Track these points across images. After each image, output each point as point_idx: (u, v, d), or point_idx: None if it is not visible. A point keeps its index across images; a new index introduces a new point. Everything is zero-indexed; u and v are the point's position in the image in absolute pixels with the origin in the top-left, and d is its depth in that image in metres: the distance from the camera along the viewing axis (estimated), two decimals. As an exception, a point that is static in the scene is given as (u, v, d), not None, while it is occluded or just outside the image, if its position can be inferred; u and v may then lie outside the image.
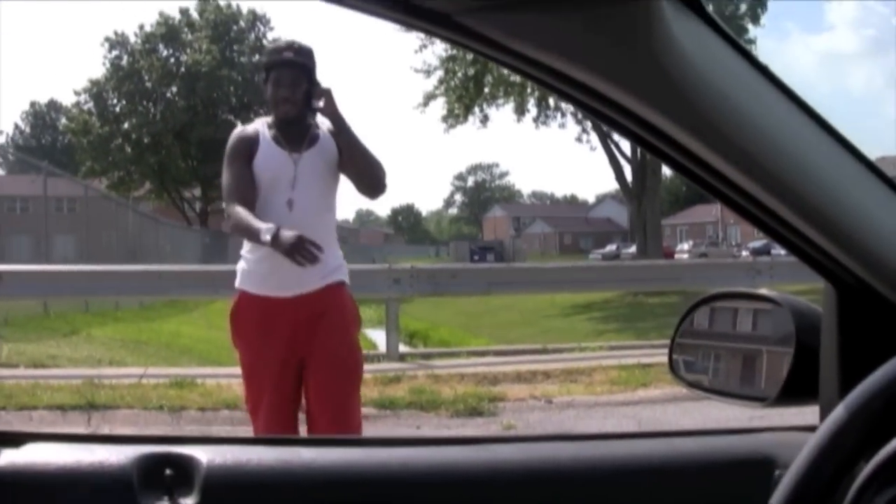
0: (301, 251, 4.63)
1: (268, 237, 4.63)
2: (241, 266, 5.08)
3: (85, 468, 1.43)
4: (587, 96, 1.18)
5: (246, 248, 5.04)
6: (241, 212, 4.87)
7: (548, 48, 1.11)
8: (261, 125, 5.16)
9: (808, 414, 1.66)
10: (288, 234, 4.64)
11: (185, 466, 1.44)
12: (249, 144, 5.06)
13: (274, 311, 4.93)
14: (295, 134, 5.07)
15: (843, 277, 1.42)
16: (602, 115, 1.22)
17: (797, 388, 1.59)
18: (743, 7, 36.52)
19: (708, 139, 1.21)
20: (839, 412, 1.12)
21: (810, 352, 1.56)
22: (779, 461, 1.51)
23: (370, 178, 5.08)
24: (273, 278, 4.89)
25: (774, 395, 1.62)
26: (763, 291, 1.74)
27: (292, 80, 5.00)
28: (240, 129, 5.25)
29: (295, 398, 5.03)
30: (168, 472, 1.42)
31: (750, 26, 36.58)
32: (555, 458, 1.59)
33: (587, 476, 1.55)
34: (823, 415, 1.53)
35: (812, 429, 1.56)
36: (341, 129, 4.97)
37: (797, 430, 1.61)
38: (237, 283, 5.07)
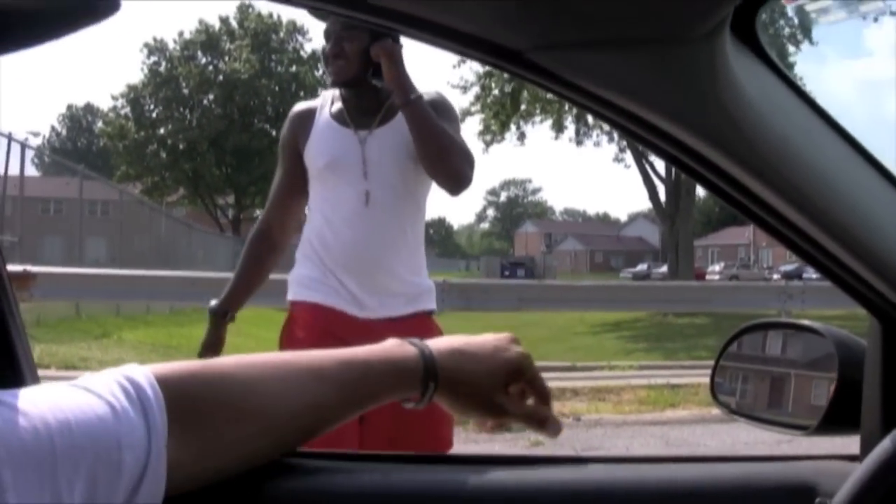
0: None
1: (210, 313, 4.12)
2: (299, 273, 4.03)
3: None
4: (649, 133, 1.21)
5: (306, 250, 4.02)
6: (245, 247, 4.18)
7: (614, 87, 1.14)
8: (325, 98, 4.12)
9: (836, 440, 1.69)
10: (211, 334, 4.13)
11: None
12: (298, 125, 4.08)
13: (344, 327, 3.82)
14: (362, 106, 3.98)
15: (887, 310, 1.45)
16: (661, 149, 1.25)
17: (838, 419, 1.61)
18: (787, 30, 36.39)
19: (762, 175, 1.24)
20: (885, 446, 1.14)
21: (852, 383, 1.58)
22: (819, 489, 1.53)
23: (445, 165, 3.85)
24: (345, 292, 3.87)
25: (815, 425, 1.64)
26: (806, 322, 1.77)
27: (346, 32, 3.86)
28: (295, 106, 4.22)
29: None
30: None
31: (791, 49, 36.47)
32: (591, 480, 1.61)
33: (624, 500, 1.57)
34: (864, 445, 1.55)
35: (853, 458, 1.58)
36: (404, 96, 3.80)
37: (838, 458, 1.63)
38: (293, 295, 4.01)
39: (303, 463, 1.52)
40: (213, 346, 4.15)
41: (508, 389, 1.59)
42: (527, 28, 1.11)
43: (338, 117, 4.01)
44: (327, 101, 4.09)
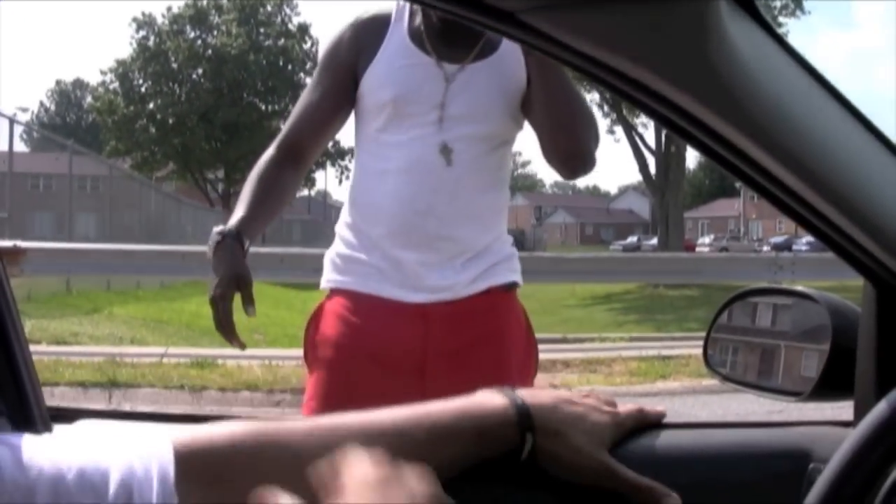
0: (221, 315, 2.78)
1: (210, 244, 2.86)
2: (335, 253, 3.13)
3: None
4: (642, 94, 1.20)
5: (348, 218, 3.13)
6: (258, 167, 3.09)
7: (607, 47, 1.13)
8: (402, 9, 3.06)
9: (826, 409, 1.69)
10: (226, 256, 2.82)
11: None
12: (364, 37, 3.04)
13: (387, 319, 2.97)
14: (454, 31, 2.93)
15: (882, 276, 1.44)
16: (655, 112, 1.24)
17: (831, 385, 1.61)
18: (779, 2, 36.45)
19: (758, 138, 1.23)
20: (880, 409, 1.14)
21: (846, 349, 1.58)
22: (813, 455, 1.53)
23: (573, 140, 2.90)
24: (393, 271, 2.97)
25: (808, 391, 1.64)
26: (800, 288, 1.76)
27: None
28: (363, 11, 3.12)
29: None
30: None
31: (783, 19, 36.54)
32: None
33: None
34: (858, 411, 1.55)
35: (846, 424, 1.59)
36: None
37: (832, 424, 1.63)
38: (326, 281, 3.12)
39: None
40: (240, 282, 2.81)
41: None
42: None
43: (417, 39, 2.99)
44: (404, 14, 3.03)
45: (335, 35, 3.10)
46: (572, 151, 2.92)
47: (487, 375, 2.29)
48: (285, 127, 3.17)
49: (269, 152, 3.12)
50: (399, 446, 1.21)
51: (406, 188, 2.93)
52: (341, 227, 3.13)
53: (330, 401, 2.90)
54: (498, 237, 3.09)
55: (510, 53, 2.94)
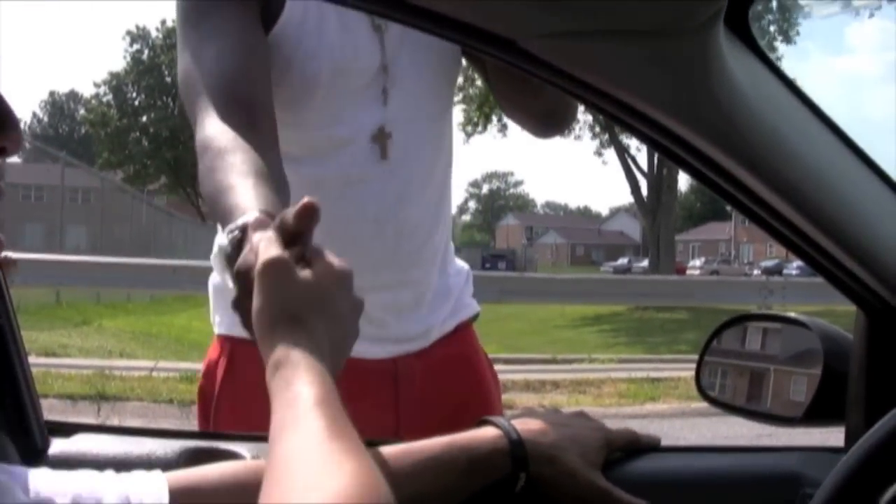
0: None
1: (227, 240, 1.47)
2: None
3: (133, 459, 1.48)
4: (639, 121, 1.22)
5: None
6: (221, 139, 1.73)
7: (607, 76, 1.15)
8: None
9: (815, 434, 1.70)
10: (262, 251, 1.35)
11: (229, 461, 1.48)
12: None
13: (358, 384, 1.65)
14: None
15: (874, 303, 1.46)
16: (651, 139, 1.26)
17: (822, 410, 1.63)
18: (773, 28, 36.59)
19: (752, 166, 1.25)
20: (871, 435, 1.15)
21: (837, 374, 1.59)
22: (804, 480, 1.54)
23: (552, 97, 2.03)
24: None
25: (800, 416, 1.66)
26: (792, 315, 1.78)
27: None
28: None
29: None
30: (213, 465, 1.46)
31: (779, 45, 36.71)
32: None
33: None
34: (849, 437, 1.56)
35: (838, 450, 1.60)
36: None
37: (823, 450, 1.65)
38: (226, 325, 2.16)
39: None
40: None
41: None
42: (520, 17, 1.11)
43: None
44: None
45: None
46: (561, 107, 2.11)
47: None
48: (206, 76, 1.88)
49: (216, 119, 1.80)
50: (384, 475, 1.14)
51: (342, 201, 2.05)
52: None
53: None
54: (453, 260, 2.37)
55: None
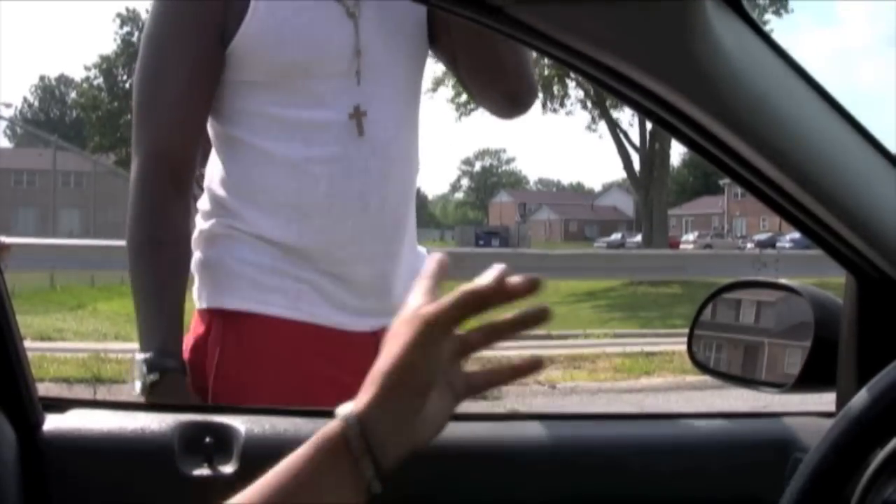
0: None
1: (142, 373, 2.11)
2: (225, 255, 2.22)
3: (128, 434, 1.48)
4: (629, 88, 1.22)
5: (239, 206, 2.21)
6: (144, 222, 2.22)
7: (594, 41, 1.15)
8: None
9: (809, 403, 1.71)
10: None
11: (224, 434, 1.48)
12: None
13: (341, 358, 2.16)
14: None
15: (865, 269, 1.46)
16: (642, 106, 1.26)
17: (814, 377, 1.63)
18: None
19: (743, 133, 1.25)
20: (861, 397, 1.16)
21: (828, 341, 1.60)
22: (796, 444, 1.55)
23: (515, 74, 2.24)
24: (337, 290, 2.18)
25: (791, 383, 1.66)
26: (783, 281, 1.78)
27: None
28: None
29: None
30: (208, 439, 1.47)
31: (771, 17, 36.71)
32: (572, 436, 1.63)
33: (604, 455, 1.59)
34: (840, 403, 1.57)
35: (828, 415, 1.61)
36: None
37: (814, 415, 1.66)
38: (216, 298, 2.22)
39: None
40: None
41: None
42: (508, -18, 1.11)
43: None
44: None
45: None
46: (524, 89, 2.30)
47: None
48: (146, 136, 2.23)
49: (150, 187, 2.20)
50: None
51: (322, 175, 2.16)
52: (229, 227, 2.22)
53: None
54: (414, 244, 2.41)
55: None
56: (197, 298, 2.27)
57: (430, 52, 2.35)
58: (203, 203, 2.31)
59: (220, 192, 2.25)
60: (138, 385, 2.12)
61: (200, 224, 2.28)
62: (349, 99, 2.16)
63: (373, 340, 2.06)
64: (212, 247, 2.24)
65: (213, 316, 2.22)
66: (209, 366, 2.18)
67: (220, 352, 2.18)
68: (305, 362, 2.17)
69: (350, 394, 1.73)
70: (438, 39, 2.31)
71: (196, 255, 2.25)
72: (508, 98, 2.31)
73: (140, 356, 2.14)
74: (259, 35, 2.12)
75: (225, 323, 2.20)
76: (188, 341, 2.24)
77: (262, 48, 2.13)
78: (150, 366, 2.11)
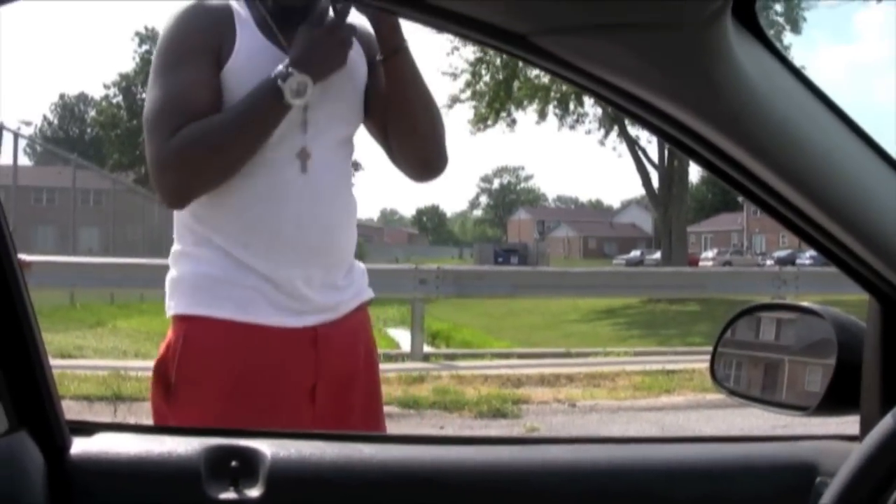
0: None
1: (287, 84, 2.47)
2: (194, 272, 2.64)
3: (154, 458, 1.49)
4: (649, 113, 1.23)
5: (201, 236, 2.63)
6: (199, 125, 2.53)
7: (617, 70, 1.16)
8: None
9: (831, 424, 1.71)
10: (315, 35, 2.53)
11: (250, 459, 1.49)
12: (217, 27, 2.61)
13: (284, 351, 2.60)
14: (296, 12, 2.62)
15: (887, 292, 1.46)
16: (661, 130, 1.27)
17: (837, 399, 1.63)
18: (780, 16, 36.52)
19: (762, 155, 1.25)
20: (886, 423, 1.16)
21: (851, 364, 1.60)
22: (820, 469, 1.55)
23: (431, 145, 2.76)
24: (275, 294, 2.59)
25: (814, 406, 1.66)
26: (806, 304, 1.78)
27: None
28: (196, 2, 2.65)
29: None
30: (234, 463, 1.48)
31: (788, 34, 36.64)
32: (595, 460, 1.63)
33: (630, 478, 1.59)
34: (864, 426, 1.57)
35: (853, 438, 1.60)
36: (394, 40, 2.61)
37: (838, 438, 1.65)
38: (190, 306, 2.61)
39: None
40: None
41: None
42: (531, 11, 1.12)
43: (267, 30, 2.62)
44: (245, 2, 2.67)
45: (184, 19, 2.64)
46: (430, 158, 2.78)
47: (368, 394, 2.75)
48: (162, 123, 2.62)
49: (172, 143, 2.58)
50: None
51: (270, 202, 2.59)
52: (193, 247, 2.65)
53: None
54: (355, 245, 2.83)
55: (357, 47, 2.65)
56: (167, 309, 2.67)
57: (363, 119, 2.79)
58: (175, 228, 2.73)
59: (187, 217, 2.67)
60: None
61: (172, 246, 2.72)
62: (297, 143, 2.60)
63: (312, 334, 2.62)
64: (177, 264, 2.69)
65: (178, 322, 2.63)
66: (171, 363, 2.58)
67: (181, 350, 2.58)
68: (252, 356, 2.58)
69: (289, 382, 2.56)
70: (371, 111, 2.76)
71: (168, 275, 2.70)
72: (423, 163, 2.81)
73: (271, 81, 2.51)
74: (235, 77, 2.57)
75: (186, 327, 2.60)
76: (162, 347, 2.64)
77: (235, 87, 2.57)
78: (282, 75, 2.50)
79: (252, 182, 2.58)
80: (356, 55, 2.65)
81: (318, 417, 2.58)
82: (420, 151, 2.77)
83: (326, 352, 2.63)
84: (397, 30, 2.59)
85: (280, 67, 2.49)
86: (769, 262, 53.69)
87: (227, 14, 2.62)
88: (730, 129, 1.22)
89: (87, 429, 1.56)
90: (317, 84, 2.53)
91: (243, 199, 2.58)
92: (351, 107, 2.72)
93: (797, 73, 1.26)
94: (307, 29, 2.55)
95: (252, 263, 2.58)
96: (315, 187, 2.61)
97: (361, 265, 2.85)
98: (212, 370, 2.57)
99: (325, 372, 2.63)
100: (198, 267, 2.63)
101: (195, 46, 2.59)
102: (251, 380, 2.55)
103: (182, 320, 2.62)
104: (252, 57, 2.57)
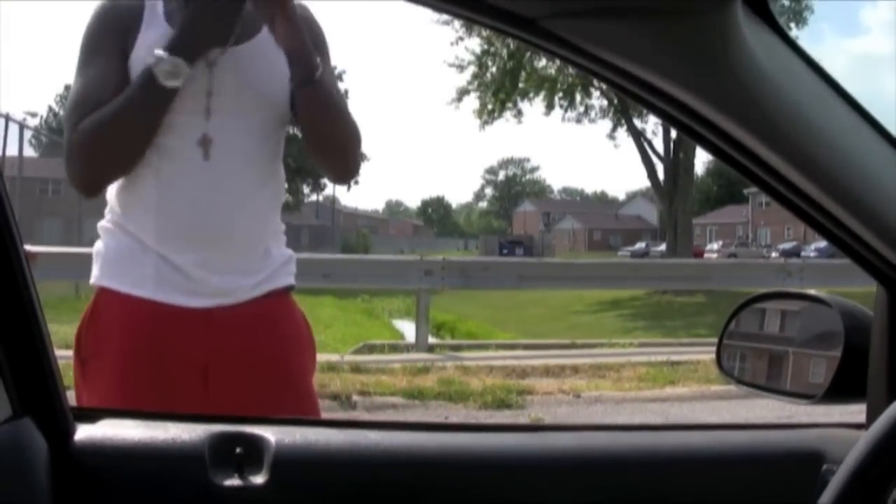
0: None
1: (158, 68, 2.54)
2: (105, 246, 2.81)
3: (159, 444, 1.49)
4: (658, 98, 1.22)
5: (115, 215, 2.80)
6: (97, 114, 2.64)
7: (627, 55, 1.15)
8: None
9: (836, 413, 1.70)
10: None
11: (254, 445, 1.49)
12: (125, 21, 2.71)
13: (177, 328, 2.70)
14: (210, 10, 2.60)
15: (894, 278, 1.46)
16: (671, 116, 1.26)
17: (844, 388, 1.62)
18: (786, 4, 36.51)
19: (773, 142, 1.25)
20: (893, 410, 1.15)
21: (858, 352, 1.59)
22: (826, 456, 1.54)
23: (344, 159, 2.89)
24: (172, 274, 2.69)
25: (821, 394, 1.65)
26: (812, 292, 1.78)
27: None
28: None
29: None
30: (238, 450, 1.47)
31: (793, 26, 36.58)
32: (600, 447, 1.63)
33: (636, 465, 1.59)
34: (871, 414, 1.56)
35: (859, 426, 1.60)
36: (307, 70, 2.67)
37: (844, 426, 1.65)
38: (98, 277, 2.78)
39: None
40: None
41: None
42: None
43: (173, 20, 2.69)
44: None
45: (95, 16, 2.77)
46: (344, 169, 2.92)
47: (282, 381, 2.76)
48: (76, 112, 2.73)
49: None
50: None
51: (169, 188, 2.68)
52: (109, 224, 2.80)
53: (115, 403, 2.59)
54: (275, 236, 2.88)
55: (271, 39, 2.66)
56: (91, 278, 2.82)
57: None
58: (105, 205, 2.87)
59: (110, 197, 2.80)
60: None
61: (100, 222, 2.85)
62: (198, 129, 2.66)
63: (206, 315, 2.68)
64: (100, 239, 2.82)
65: (94, 292, 2.78)
66: (82, 333, 2.75)
67: (89, 320, 2.75)
68: (145, 331, 2.68)
69: (180, 360, 2.65)
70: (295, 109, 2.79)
71: (95, 246, 2.83)
72: (332, 172, 2.98)
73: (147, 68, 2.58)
74: (137, 67, 2.65)
75: (95, 298, 2.77)
76: (83, 315, 2.79)
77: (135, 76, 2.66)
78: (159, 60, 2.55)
79: (154, 169, 2.68)
80: (270, 40, 2.66)
81: (213, 398, 2.65)
82: (330, 162, 2.92)
83: (221, 334, 2.70)
84: (310, 62, 2.66)
85: (155, 51, 2.56)
86: (774, 254, 53.62)
87: (136, 9, 2.73)
88: (740, 115, 1.21)
89: (92, 415, 1.55)
90: (225, 72, 2.67)
91: (146, 184, 2.70)
92: (265, 94, 2.75)
93: (808, 60, 1.25)
94: (185, 8, 2.63)
95: (151, 244, 2.70)
96: (216, 174, 2.69)
97: (289, 253, 2.92)
98: (111, 343, 2.71)
99: (219, 354, 2.69)
100: (110, 241, 2.78)
101: (102, 43, 2.74)
102: (145, 355, 2.67)
103: (97, 292, 2.79)
104: (151, 48, 2.61)
